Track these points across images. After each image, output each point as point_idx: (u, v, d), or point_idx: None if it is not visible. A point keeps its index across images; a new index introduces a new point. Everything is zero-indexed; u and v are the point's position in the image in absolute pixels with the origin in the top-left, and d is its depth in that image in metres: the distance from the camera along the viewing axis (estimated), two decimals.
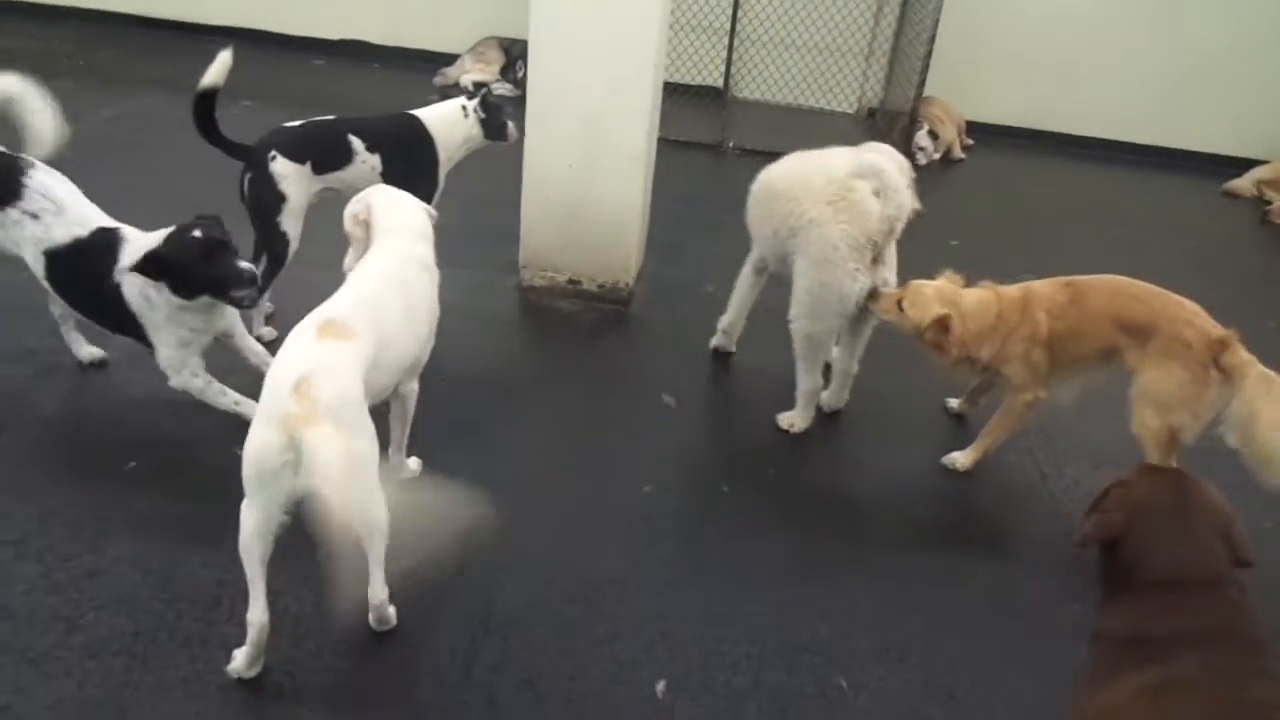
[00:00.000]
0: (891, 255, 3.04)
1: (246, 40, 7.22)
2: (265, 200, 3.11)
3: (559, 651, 2.26)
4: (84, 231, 2.72)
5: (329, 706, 2.06)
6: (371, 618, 2.22)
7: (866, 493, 2.98)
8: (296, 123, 3.25)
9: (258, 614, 2.02)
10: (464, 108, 3.48)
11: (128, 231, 2.73)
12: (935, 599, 2.56)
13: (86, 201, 2.81)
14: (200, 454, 2.75)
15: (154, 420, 2.89)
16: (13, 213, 2.72)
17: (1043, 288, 2.89)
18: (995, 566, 2.72)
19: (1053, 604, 2.58)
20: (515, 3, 6.59)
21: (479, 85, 6.68)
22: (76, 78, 6.06)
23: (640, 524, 2.71)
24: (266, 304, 3.35)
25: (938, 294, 2.88)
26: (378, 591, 2.17)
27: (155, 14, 7.27)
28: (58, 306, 2.97)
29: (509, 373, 3.42)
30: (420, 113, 3.48)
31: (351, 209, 2.53)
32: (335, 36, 7.09)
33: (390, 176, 3.24)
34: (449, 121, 3.47)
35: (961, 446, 3.12)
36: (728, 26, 6.34)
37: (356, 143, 3.26)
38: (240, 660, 2.07)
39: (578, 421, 3.17)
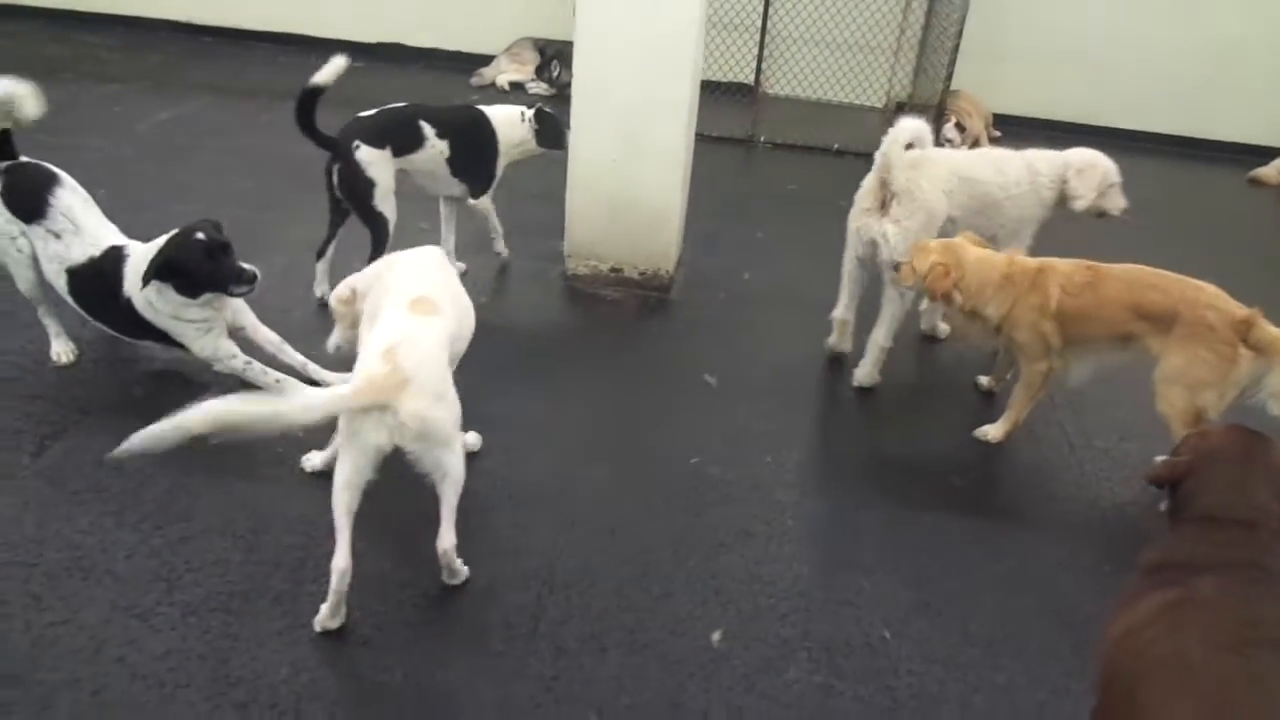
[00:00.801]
0: (903, 213, 3.27)
1: (286, 45, 7.50)
2: (358, 187, 3.42)
3: (619, 608, 2.43)
4: (97, 251, 2.94)
5: (411, 656, 2.23)
6: (443, 569, 2.40)
7: (903, 463, 3.12)
8: (371, 112, 3.52)
9: (341, 560, 2.20)
10: (522, 113, 3.75)
11: (131, 248, 2.94)
12: (971, 560, 2.70)
13: (103, 219, 3.05)
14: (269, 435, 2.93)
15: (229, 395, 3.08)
16: (38, 229, 2.94)
17: (1063, 265, 3.03)
18: (1027, 531, 2.85)
19: (1083, 564, 2.72)
20: (549, 4, 6.82)
21: (514, 85, 6.90)
22: (125, 82, 6.31)
23: (689, 493, 2.87)
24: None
25: (941, 248, 3.06)
26: (446, 539, 2.34)
27: (198, 20, 7.51)
28: (45, 309, 3.17)
29: (556, 355, 3.59)
30: (485, 108, 3.76)
31: (339, 292, 2.63)
32: (374, 40, 7.29)
33: (455, 162, 3.62)
34: (509, 122, 3.76)
35: (993, 420, 3.26)
36: (759, 24, 6.46)
37: (427, 129, 3.56)
38: (324, 611, 2.25)
39: (624, 399, 3.33)
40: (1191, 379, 2.82)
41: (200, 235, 2.77)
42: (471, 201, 3.86)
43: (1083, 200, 3.50)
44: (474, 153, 3.69)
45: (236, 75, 6.71)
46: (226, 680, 2.12)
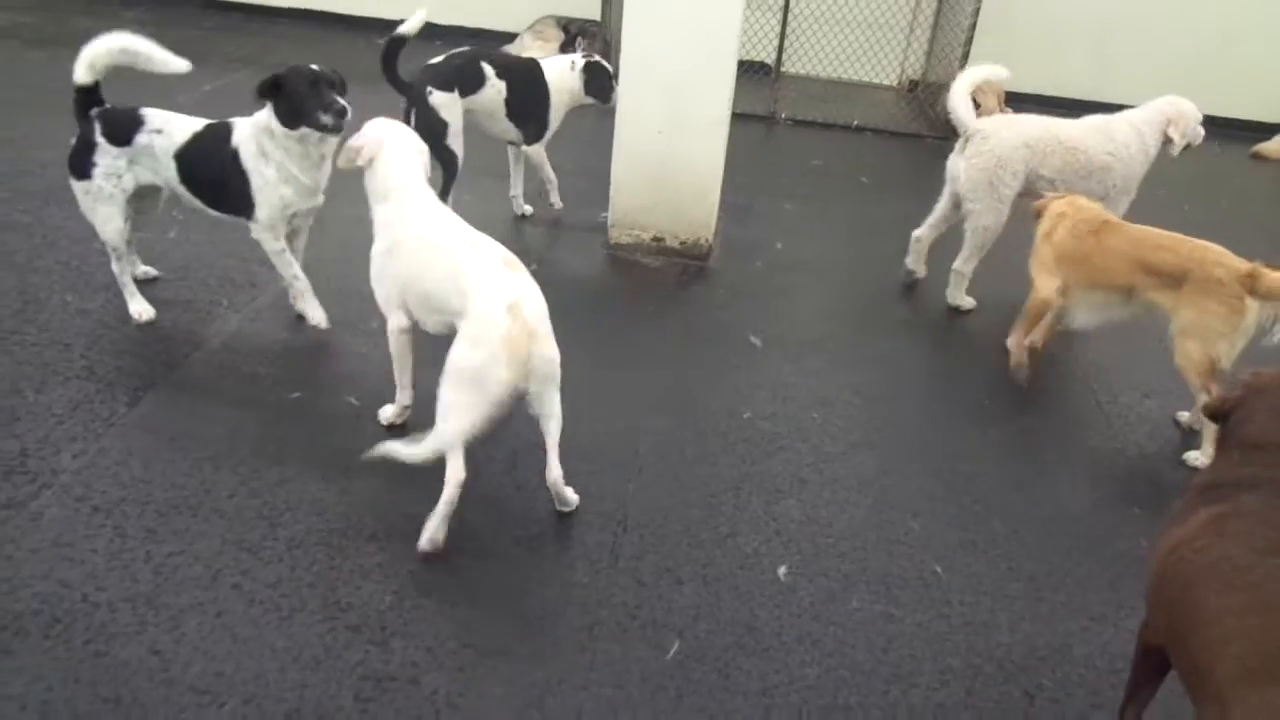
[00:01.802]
0: (973, 152, 3.86)
1: (312, 21, 7.62)
2: (433, 128, 3.78)
3: (689, 545, 2.61)
4: (199, 126, 3.21)
5: (503, 587, 2.41)
6: (554, 497, 2.63)
7: (942, 417, 3.31)
8: (440, 58, 3.84)
9: (456, 472, 2.41)
10: (572, 62, 4.02)
11: (234, 119, 3.20)
12: (1011, 504, 2.89)
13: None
14: (348, 389, 3.10)
15: (308, 360, 3.25)
16: (141, 138, 3.16)
17: (1084, 211, 3.37)
18: (1062, 478, 3.05)
19: (1114, 507, 2.92)
20: None
21: None
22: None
23: (743, 444, 3.05)
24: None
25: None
26: (555, 470, 2.58)
27: None
28: (121, 266, 3.34)
29: (606, 319, 3.76)
30: (539, 59, 4.07)
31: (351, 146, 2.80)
32: (400, 17, 7.39)
33: (511, 104, 3.95)
34: (559, 72, 4.03)
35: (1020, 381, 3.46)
36: (782, 4, 6.62)
37: (488, 69, 3.90)
38: (433, 524, 2.45)
39: (675, 360, 3.50)
40: (1204, 331, 3.05)
41: (313, 66, 3.06)
42: (525, 148, 4.14)
43: (1179, 145, 3.88)
44: (528, 98, 4.01)
45: (268, 50, 6.83)
46: (337, 606, 2.30)
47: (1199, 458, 3.13)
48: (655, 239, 4.18)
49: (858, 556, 2.62)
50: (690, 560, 2.56)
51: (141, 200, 3.31)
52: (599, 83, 4.05)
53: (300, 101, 3.02)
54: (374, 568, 2.43)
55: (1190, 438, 3.29)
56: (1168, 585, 1.77)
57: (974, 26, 5.92)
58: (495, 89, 3.94)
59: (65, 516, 2.47)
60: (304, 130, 3.06)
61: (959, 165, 3.86)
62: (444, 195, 3.90)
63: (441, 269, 2.56)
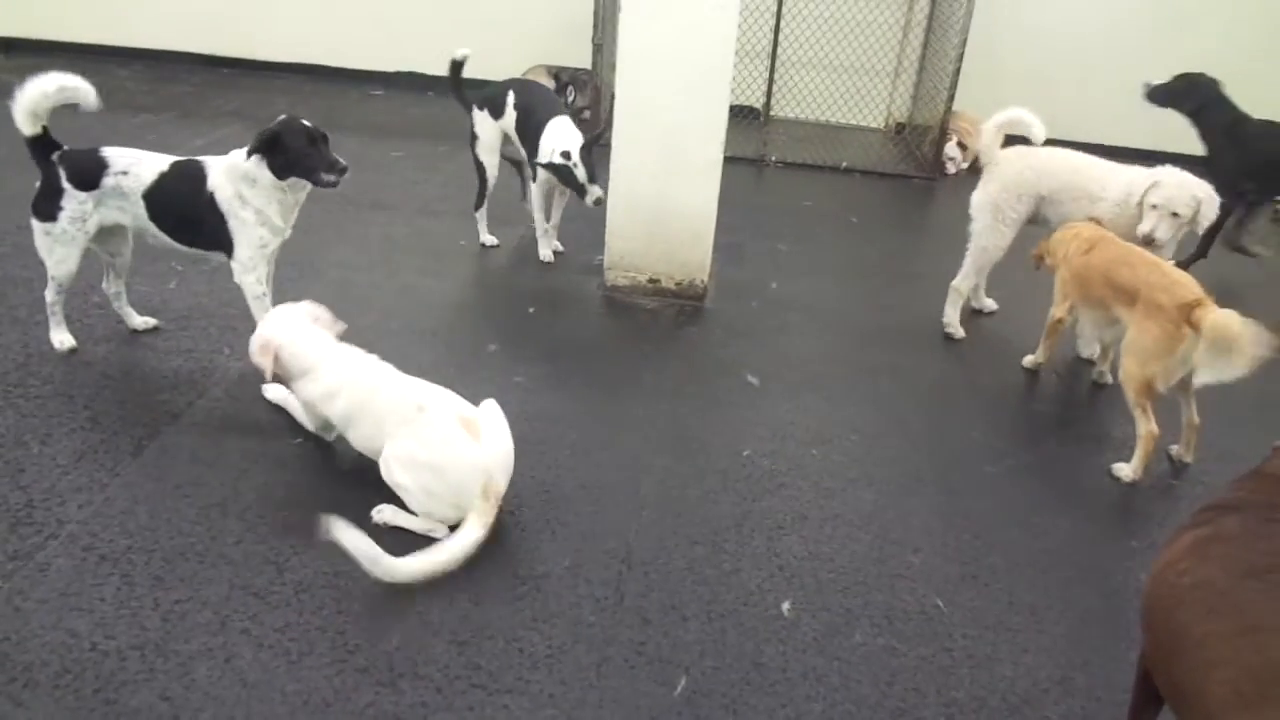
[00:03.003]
0: (984, 180, 4.18)
1: (307, 75, 7.73)
2: (471, 138, 4.57)
3: (693, 582, 2.63)
4: (165, 165, 3.26)
5: (511, 625, 2.42)
6: None
7: (940, 453, 3.34)
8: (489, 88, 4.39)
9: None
10: (566, 154, 4.13)
11: (203, 158, 3.28)
12: (1011, 538, 2.92)
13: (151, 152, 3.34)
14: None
15: None
16: (109, 180, 3.21)
17: (1088, 230, 3.60)
18: (1061, 513, 3.07)
19: (1112, 541, 2.95)
20: (563, 34, 7.08)
21: None
22: (155, 112, 6.54)
23: (743, 482, 3.09)
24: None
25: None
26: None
27: (220, 52, 7.75)
28: (111, 285, 3.51)
29: (604, 359, 3.80)
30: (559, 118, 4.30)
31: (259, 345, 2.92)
32: (392, 69, 7.55)
33: (519, 128, 4.43)
34: (564, 131, 4.22)
35: (1016, 414, 3.50)
36: (769, 50, 6.77)
37: (510, 97, 4.36)
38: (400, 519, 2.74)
39: (674, 399, 3.54)
40: (1142, 351, 3.18)
41: (306, 122, 3.17)
42: (530, 167, 4.43)
43: (1152, 221, 3.68)
44: (533, 130, 4.30)
45: (260, 104, 6.94)
46: (345, 648, 2.31)
47: (1126, 470, 3.25)
48: (651, 280, 4.24)
49: (860, 591, 2.65)
50: (695, 597, 2.58)
51: (108, 238, 3.39)
52: (565, 178, 4.20)
53: (300, 158, 3.13)
54: (380, 610, 2.44)
55: (1180, 470, 3.35)
56: (1153, 609, 1.80)
57: (959, 70, 6.06)
58: (510, 117, 4.41)
59: (72, 566, 2.48)
60: (294, 180, 3.18)
61: (974, 194, 4.11)
62: (478, 203, 4.68)
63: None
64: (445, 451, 2.67)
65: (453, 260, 4.61)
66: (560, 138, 4.14)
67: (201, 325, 3.73)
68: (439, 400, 2.76)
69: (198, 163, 3.28)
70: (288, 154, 3.14)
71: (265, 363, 2.87)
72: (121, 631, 2.29)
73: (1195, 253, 5.17)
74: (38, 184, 3.23)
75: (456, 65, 4.54)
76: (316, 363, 2.89)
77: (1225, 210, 4.71)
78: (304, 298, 3.49)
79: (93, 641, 2.26)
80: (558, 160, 4.09)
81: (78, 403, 3.16)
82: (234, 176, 3.20)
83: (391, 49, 7.53)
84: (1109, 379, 3.80)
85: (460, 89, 4.56)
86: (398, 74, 7.56)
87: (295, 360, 2.90)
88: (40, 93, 3.09)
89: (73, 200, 3.21)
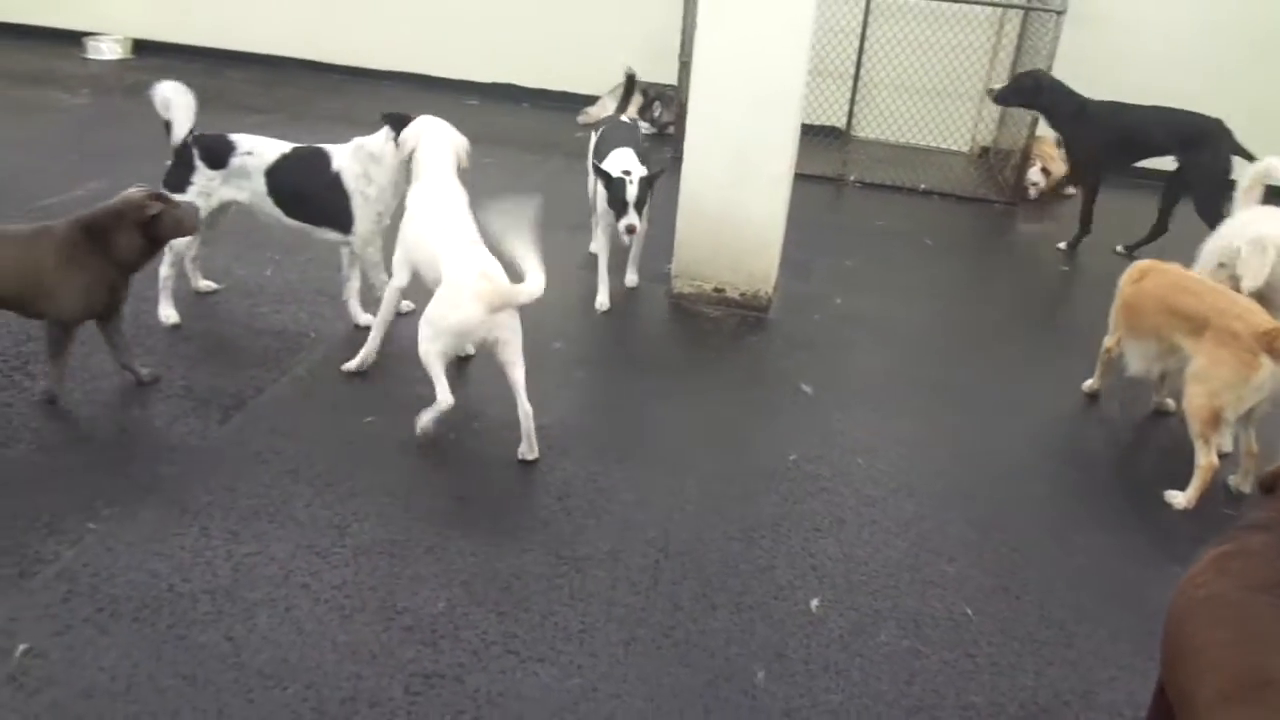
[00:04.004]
0: None
1: (408, 83, 8.09)
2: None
3: (726, 574, 2.74)
4: (286, 149, 3.70)
5: (549, 601, 2.56)
6: (523, 433, 3.15)
7: (985, 469, 3.37)
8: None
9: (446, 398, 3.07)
10: (627, 172, 4.08)
11: (326, 145, 3.72)
12: (1047, 554, 2.94)
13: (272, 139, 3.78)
14: (416, 412, 3.33)
15: (382, 389, 3.50)
16: (236, 160, 3.64)
17: (1144, 264, 3.57)
18: (1098, 530, 3.08)
19: (1148, 561, 2.95)
20: (652, 50, 7.26)
21: None
22: (266, 113, 6.95)
23: (786, 484, 3.17)
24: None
25: None
26: (526, 407, 3.13)
27: (327, 59, 8.17)
28: (191, 249, 3.90)
29: (665, 362, 3.94)
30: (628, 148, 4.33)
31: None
32: (488, 80, 7.86)
33: (596, 154, 4.42)
34: (631, 158, 4.25)
35: (1056, 431, 3.51)
36: (852, 72, 6.83)
37: (598, 130, 4.58)
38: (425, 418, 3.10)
39: (728, 402, 3.65)
40: (1213, 380, 3.12)
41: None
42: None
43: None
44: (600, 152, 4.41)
45: (364, 109, 7.29)
46: (394, 609, 2.49)
47: (1180, 499, 3.21)
48: (716, 290, 4.36)
49: (890, 594, 2.71)
50: (726, 588, 2.68)
51: (218, 216, 3.78)
52: (615, 194, 4.10)
53: None
54: (430, 576, 2.61)
55: (1235, 500, 3.30)
56: (1169, 620, 1.84)
57: None
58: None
59: (159, 516, 2.73)
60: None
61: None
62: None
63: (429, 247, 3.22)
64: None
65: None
66: (628, 160, 4.15)
67: (292, 310, 4.00)
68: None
69: (321, 148, 3.69)
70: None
71: (404, 149, 3.45)
72: (196, 576, 2.52)
73: (1080, 233, 5.66)
74: (168, 162, 3.64)
75: (632, 79, 4.98)
76: (423, 174, 3.40)
77: (1092, 189, 5.60)
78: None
79: (170, 583, 2.49)
80: (617, 174, 4.02)
81: (176, 372, 3.44)
82: (360, 156, 3.61)
83: (488, 61, 7.84)
84: (1171, 406, 3.76)
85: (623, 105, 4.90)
86: (493, 85, 7.86)
87: (415, 165, 3.43)
88: (171, 88, 3.59)
89: (202, 176, 3.64)
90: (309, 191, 3.66)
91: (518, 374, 3.11)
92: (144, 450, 3.02)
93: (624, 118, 4.69)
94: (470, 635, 2.43)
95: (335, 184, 3.61)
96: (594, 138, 4.61)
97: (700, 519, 2.96)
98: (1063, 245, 5.68)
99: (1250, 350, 3.02)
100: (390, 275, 3.53)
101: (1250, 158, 4.95)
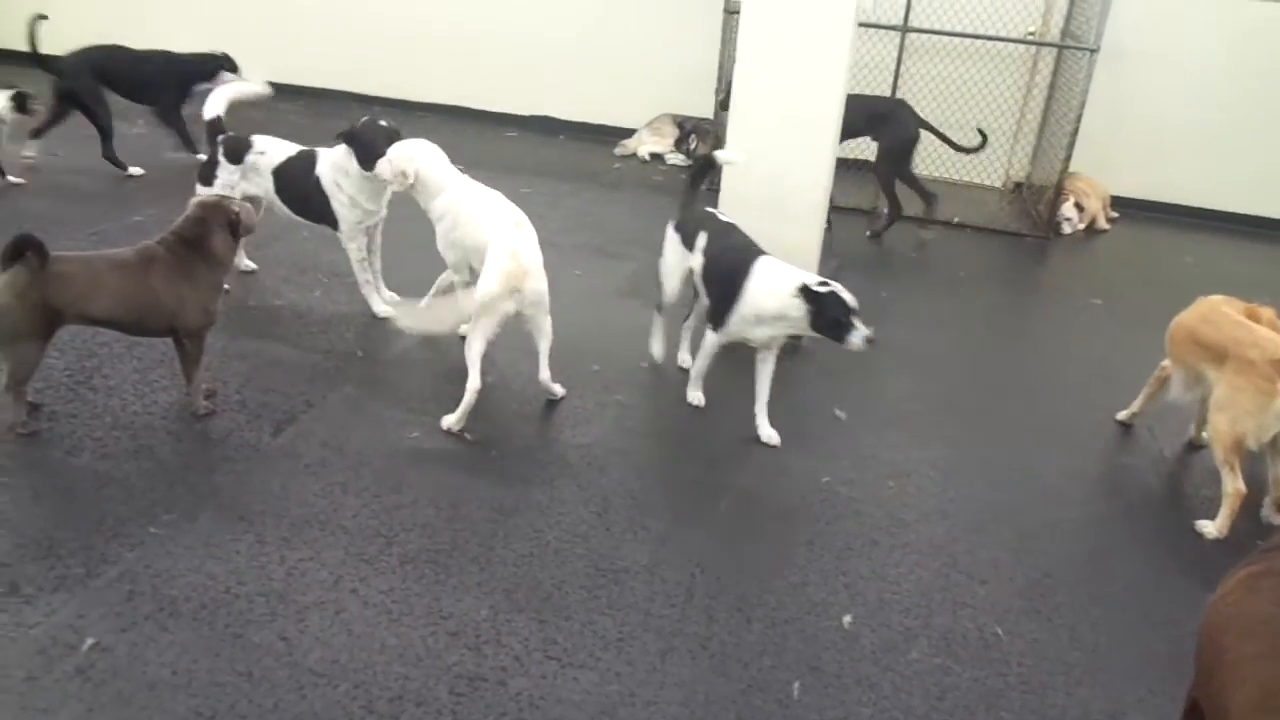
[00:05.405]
0: None
1: (448, 115, 8.30)
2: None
3: (761, 590, 2.80)
4: (293, 152, 4.18)
5: (589, 611, 2.64)
6: (545, 391, 3.65)
7: (1018, 495, 3.41)
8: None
9: (473, 382, 3.36)
10: (824, 282, 3.42)
11: (318, 149, 4.13)
12: (1079, 577, 2.98)
13: (289, 144, 4.23)
14: (472, 426, 3.44)
15: (427, 405, 3.61)
16: (250, 157, 4.17)
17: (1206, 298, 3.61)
18: (1132, 557, 3.11)
19: (1185, 591, 2.97)
20: (688, 83, 7.42)
21: (654, 156, 7.51)
22: (313, 143, 7.16)
23: (819, 505, 3.24)
24: None
25: None
26: (545, 373, 3.60)
27: (372, 92, 8.40)
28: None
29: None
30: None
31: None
32: (527, 113, 8.05)
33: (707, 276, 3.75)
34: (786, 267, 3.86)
35: (1090, 460, 3.54)
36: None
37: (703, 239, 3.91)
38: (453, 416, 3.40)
39: (746, 421, 3.72)
40: (1233, 408, 3.19)
41: (383, 122, 3.95)
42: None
43: None
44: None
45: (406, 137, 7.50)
46: (439, 614, 2.58)
47: (1211, 528, 3.25)
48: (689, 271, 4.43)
49: (921, 613, 2.76)
50: (760, 603, 2.75)
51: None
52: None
53: (378, 151, 3.74)
54: (473, 584, 2.71)
55: (1267, 530, 3.32)
56: (1200, 636, 1.89)
57: (1076, 132, 6.08)
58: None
59: (215, 522, 2.85)
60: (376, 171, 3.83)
61: None
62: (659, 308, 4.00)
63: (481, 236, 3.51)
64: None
65: (566, 286, 4.92)
66: (790, 272, 3.44)
67: (339, 330, 4.14)
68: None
69: (312, 152, 4.12)
70: (367, 147, 3.82)
71: (400, 178, 3.66)
72: (251, 579, 2.63)
73: (886, 222, 6.19)
74: (202, 157, 4.21)
75: (705, 164, 3.93)
76: (446, 185, 3.70)
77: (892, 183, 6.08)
78: (426, 294, 3.95)
79: (226, 585, 2.60)
80: (819, 289, 3.29)
81: (230, 387, 3.58)
82: (333, 167, 4.01)
83: (526, 94, 8.03)
84: (1205, 440, 3.78)
85: (697, 189, 3.92)
86: (531, 117, 8.05)
87: (427, 185, 3.69)
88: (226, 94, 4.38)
89: (225, 171, 4.19)
90: (301, 191, 4.10)
91: (544, 342, 3.55)
92: (201, 460, 3.15)
93: (721, 217, 3.80)
94: (512, 641, 2.51)
95: (317, 186, 4.05)
96: (672, 233, 3.86)
97: (735, 536, 3.03)
98: (869, 234, 6.27)
99: (1267, 378, 3.09)
100: (370, 277, 4.24)
101: (936, 133, 6.01)
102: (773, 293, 3.38)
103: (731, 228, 3.73)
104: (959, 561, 3.02)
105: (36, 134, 5.69)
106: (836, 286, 3.31)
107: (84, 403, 3.39)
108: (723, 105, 6.02)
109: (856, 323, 3.27)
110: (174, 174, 6.05)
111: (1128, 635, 2.76)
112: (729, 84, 4.61)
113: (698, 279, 3.73)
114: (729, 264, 3.53)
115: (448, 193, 3.68)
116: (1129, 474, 3.68)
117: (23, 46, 5.60)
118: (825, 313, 3.28)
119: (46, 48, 5.61)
